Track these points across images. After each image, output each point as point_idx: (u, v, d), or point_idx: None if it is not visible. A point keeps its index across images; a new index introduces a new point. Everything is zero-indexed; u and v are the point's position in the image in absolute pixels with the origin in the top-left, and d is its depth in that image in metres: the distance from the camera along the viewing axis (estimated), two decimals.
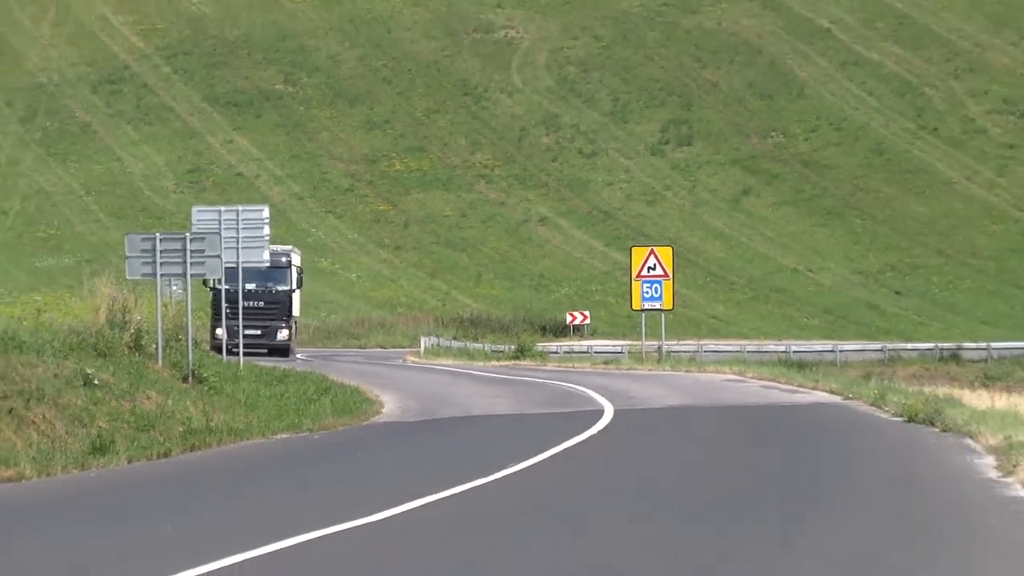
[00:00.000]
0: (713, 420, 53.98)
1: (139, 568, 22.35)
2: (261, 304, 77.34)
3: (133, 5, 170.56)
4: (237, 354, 71.48)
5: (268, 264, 75.38)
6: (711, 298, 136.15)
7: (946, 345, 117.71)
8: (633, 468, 38.29)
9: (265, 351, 77.42)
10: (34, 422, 41.44)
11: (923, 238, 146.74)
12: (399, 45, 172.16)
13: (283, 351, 77.80)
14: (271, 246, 79.19)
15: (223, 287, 77.33)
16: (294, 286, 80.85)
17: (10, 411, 40.70)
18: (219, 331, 76.07)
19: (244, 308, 71.04)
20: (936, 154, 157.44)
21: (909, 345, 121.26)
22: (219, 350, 75.79)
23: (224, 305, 76.61)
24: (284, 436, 48.46)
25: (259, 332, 76.44)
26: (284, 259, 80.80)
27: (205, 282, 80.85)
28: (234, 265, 73.37)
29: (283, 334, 78.32)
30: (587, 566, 22.27)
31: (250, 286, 74.84)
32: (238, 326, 69.00)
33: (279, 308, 78.56)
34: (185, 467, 40.48)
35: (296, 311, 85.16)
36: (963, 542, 24.10)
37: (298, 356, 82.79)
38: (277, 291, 78.52)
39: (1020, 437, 38.82)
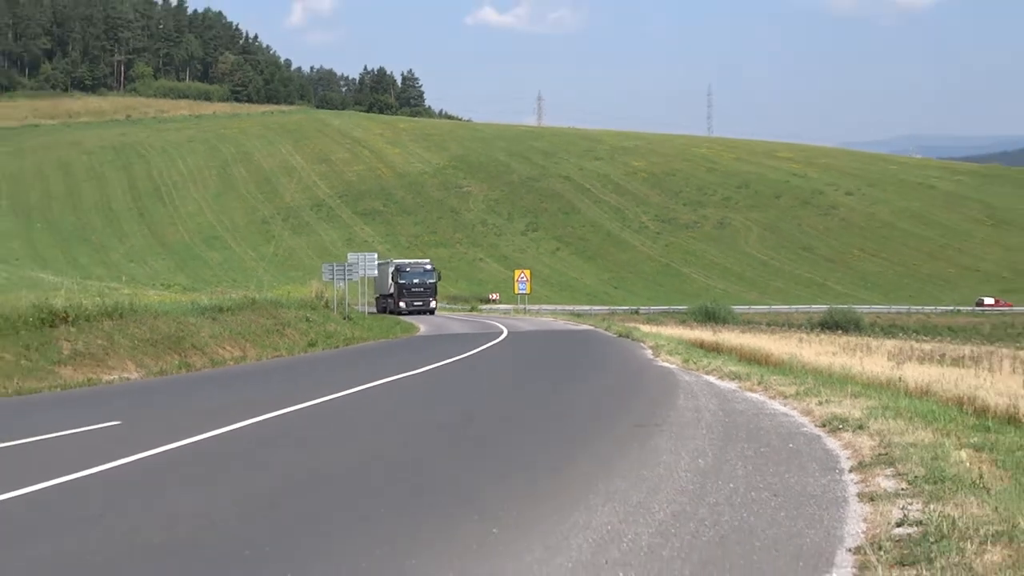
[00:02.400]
0: (546, 335, 54.93)
1: (342, 381, 26.83)
2: (422, 290, 79.26)
3: (325, 176, 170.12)
4: (406, 314, 74.38)
5: (424, 268, 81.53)
6: (545, 290, 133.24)
7: (633, 308, 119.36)
8: (517, 352, 42.07)
9: (407, 311, 77.22)
10: (285, 335, 44.80)
11: (627, 268, 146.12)
12: (426, 193, 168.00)
13: (431, 312, 78.97)
14: (421, 260, 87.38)
15: (402, 280, 79.19)
16: (435, 280, 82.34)
17: (278, 330, 44.70)
18: (402, 303, 77.10)
19: (411, 291, 78.60)
20: (631, 237, 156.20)
21: (619, 308, 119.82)
22: (399, 313, 75.51)
23: (404, 290, 78.24)
24: (383, 340, 52.72)
25: (421, 304, 78.16)
26: (429, 266, 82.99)
27: (394, 278, 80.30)
28: (404, 269, 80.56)
29: (432, 304, 79.90)
30: (498, 385, 27.90)
31: (415, 279, 79.94)
32: (407, 300, 77.44)
33: (430, 290, 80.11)
34: (345, 352, 43.31)
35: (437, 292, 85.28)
36: (642, 379, 28.15)
37: (434, 314, 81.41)
38: (428, 283, 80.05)
39: (660, 343, 43.57)
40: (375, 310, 79.10)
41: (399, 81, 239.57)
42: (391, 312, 77.89)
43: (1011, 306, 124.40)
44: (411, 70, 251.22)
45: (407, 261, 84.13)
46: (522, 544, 9.29)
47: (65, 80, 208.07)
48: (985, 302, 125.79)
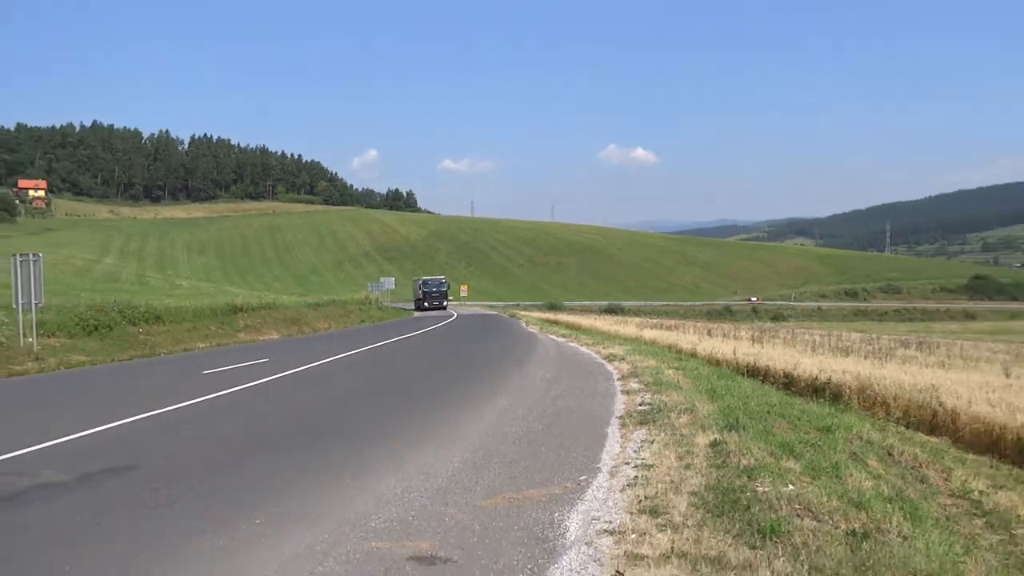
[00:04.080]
0: (476, 316, 48.95)
1: (377, 339, 25.83)
2: (438, 294, 63.63)
3: (369, 241, 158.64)
4: (426, 309, 61.98)
5: (440, 281, 66.68)
6: (475, 295, 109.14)
7: (516, 303, 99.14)
8: (461, 324, 37.41)
9: (428, 308, 62.71)
10: (350, 317, 40.88)
11: (515, 285, 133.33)
12: (418, 249, 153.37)
13: (443, 308, 63.06)
14: (439, 276, 71.65)
15: (425, 289, 64.27)
16: (446, 288, 66.50)
17: (346, 315, 41.18)
18: (426, 303, 62.40)
19: (432, 296, 63.35)
20: (517, 270, 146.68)
21: (510, 303, 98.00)
22: (423, 309, 62.09)
23: (426, 295, 62.98)
24: (397, 320, 44.61)
25: (438, 303, 63.11)
26: (443, 279, 67.96)
27: (421, 287, 65.57)
28: (427, 282, 65.82)
29: (445, 303, 64.21)
30: (452, 340, 25.55)
31: (434, 289, 64.56)
32: (429, 301, 62.93)
33: (443, 295, 64.30)
34: (379, 325, 37.94)
35: (448, 297, 68.58)
36: (520, 337, 26.28)
37: (452, 313, 62.03)
38: (442, 290, 64.51)
39: (530, 320, 41.64)
40: (413, 307, 66.81)
41: (406, 194, 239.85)
42: (420, 309, 63.74)
43: (760, 300, 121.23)
44: (411, 189, 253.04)
45: (430, 277, 69.68)
46: (462, 418, 9.30)
47: (242, 193, 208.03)
48: (752, 300, 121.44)
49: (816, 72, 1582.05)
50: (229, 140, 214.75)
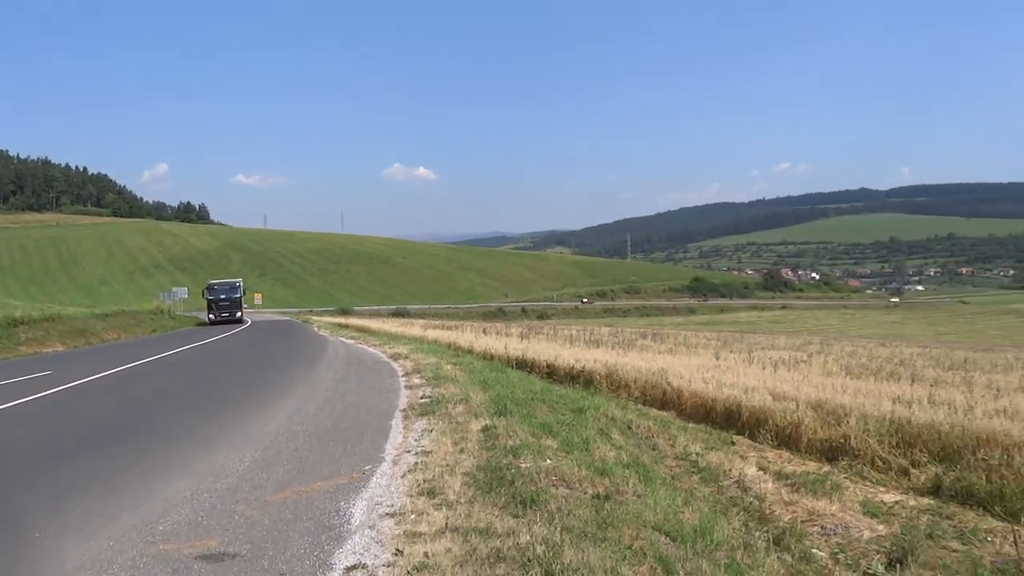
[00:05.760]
0: (269, 322, 47.76)
1: (169, 347, 25.73)
2: (228, 303, 46.76)
3: (161, 252, 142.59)
4: (214, 323, 46.23)
5: (232, 285, 48.90)
6: (268, 303, 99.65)
7: (309, 309, 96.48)
8: (255, 330, 35.53)
9: (217, 320, 45.81)
10: (141, 326, 37.65)
11: (307, 292, 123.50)
12: (211, 259, 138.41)
13: (239, 321, 46.42)
14: (232, 279, 54.15)
15: (211, 296, 46.62)
16: (242, 295, 48.66)
17: (137, 324, 37.11)
18: (211, 316, 46.05)
19: (220, 305, 46.66)
20: (309, 277, 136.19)
21: (303, 309, 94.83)
22: (211, 321, 45.86)
23: (213, 304, 45.98)
24: (190, 329, 44.38)
25: (228, 315, 46.53)
26: (238, 283, 49.91)
27: (204, 295, 47.98)
28: (214, 287, 48.43)
29: (238, 314, 46.81)
30: (244, 344, 25.61)
31: (223, 295, 47.34)
32: (217, 312, 46.15)
33: (236, 303, 47.01)
34: (172, 334, 36.05)
35: (244, 304, 49.24)
36: (312, 340, 25.74)
37: (245, 320, 48.78)
38: (234, 297, 47.39)
39: (322, 324, 40.04)
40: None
41: (198, 207, 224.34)
42: (211, 321, 49.03)
43: (591, 303, 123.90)
44: (203, 203, 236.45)
45: (218, 281, 52.68)
46: (254, 420, 8.79)
47: (23, 205, 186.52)
48: (584, 301, 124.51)
49: (569, 105, 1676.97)
50: (7, 151, 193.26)
